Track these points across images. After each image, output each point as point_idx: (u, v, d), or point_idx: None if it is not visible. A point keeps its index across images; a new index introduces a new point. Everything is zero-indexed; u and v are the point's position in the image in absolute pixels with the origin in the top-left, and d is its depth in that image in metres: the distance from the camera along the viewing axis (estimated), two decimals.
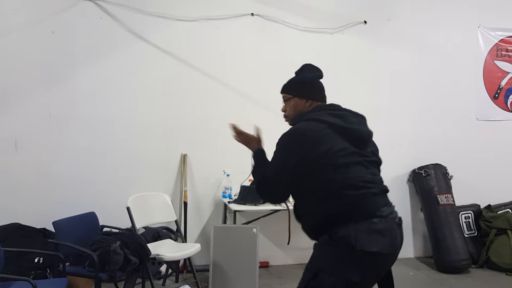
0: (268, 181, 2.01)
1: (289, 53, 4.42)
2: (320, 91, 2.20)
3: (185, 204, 4.20)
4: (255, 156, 2.16)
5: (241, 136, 2.27)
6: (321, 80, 2.21)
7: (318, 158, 1.93)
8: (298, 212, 2.11)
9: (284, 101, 2.21)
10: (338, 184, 1.91)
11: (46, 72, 4.01)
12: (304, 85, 2.18)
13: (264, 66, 4.41)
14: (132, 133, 4.19)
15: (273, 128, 4.46)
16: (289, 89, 2.20)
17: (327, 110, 2.09)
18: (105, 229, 3.58)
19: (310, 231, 2.04)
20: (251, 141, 2.23)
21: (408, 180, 4.83)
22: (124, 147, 4.17)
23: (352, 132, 2.01)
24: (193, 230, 4.31)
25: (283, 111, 2.23)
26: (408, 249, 4.82)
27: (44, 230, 3.72)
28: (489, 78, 5.04)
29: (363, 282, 1.89)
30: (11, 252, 3.01)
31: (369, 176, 1.97)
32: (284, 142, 2.01)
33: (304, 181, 1.94)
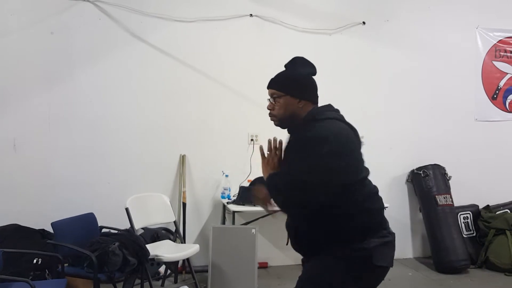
0: (293, 187, 1.74)
1: (287, 54, 4.35)
2: (314, 91, 1.97)
3: (184, 204, 4.20)
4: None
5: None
6: (314, 77, 1.99)
7: (356, 164, 1.82)
8: (303, 225, 1.89)
9: (273, 98, 1.95)
10: (363, 197, 1.84)
11: (45, 73, 4.00)
12: (298, 83, 1.94)
13: (262, 67, 4.39)
14: (131, 134, 4.19)
15: (271, 130, 4.46)
16: (279, 86, 1.94)
17: (337, 112, 1.94)
18: (103, 230, 3.58)
19: (314, 246, 1.88)
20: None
21: (407, 180, 4.83)
22: (123, 147, 4.17)
23: (359, 140, 1.91)
24: (192, 231, 4.31)
25: (269, 109, 1.97)
26: (407, 249, 4.83)
27: (42, 231, 3.72)
28: (488, 78, 5.04)
29: None
30: (9, 253, 3.02)
31: (376, 188, 1.93)
32: (320, 141, 1.74)
33: (328, 193, 1.75)
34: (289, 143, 1.97)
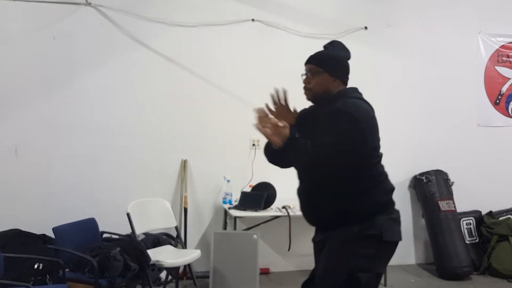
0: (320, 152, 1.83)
1: (289, 59, 4.42)
2: (347, 73, 2.13)
3: (185, 210, 4.19)
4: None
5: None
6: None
7: (376, 144, 1.97)
8: (324, 194, 1.95)
9: (311, 73, 2.08)
10: (379, 174, 1.99)
11: (47, 78, 4.01)
12: (338, 63, 2.10)
13: (264, 72, 4.41)
14: (132, 139, 4.19)
15: None
16: (320, 62, 2.08)
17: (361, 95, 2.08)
18: (105, 235, 3.58)
19: (333, 217, 1.96)
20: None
21: (409, 186, 4.82)
22: (124, 153, 4.17)
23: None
24: (193, 236, 4.29)
25: (305, 83, 2.10)
26: (410, 255, 4.80)
27: (44, 236, 3.71)
28: (490, 84, 5.04)
29: (384, 272, 1.97)
30: (11, 258, 3.01)
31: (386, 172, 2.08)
32: (352, 118, 1.87)
33: (357, 165, 1.89)
34: (316, 113, 2.11)
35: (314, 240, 2.15)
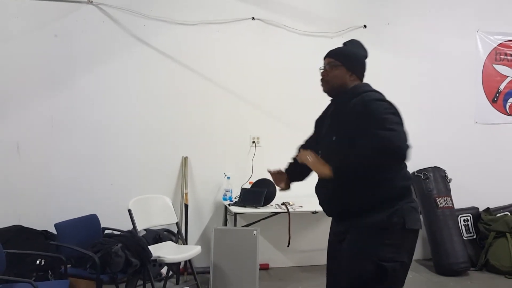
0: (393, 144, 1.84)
1: (289, 57, 4.45)
2: (363, 71, 2.24)
3: (186, 206, 4.22)
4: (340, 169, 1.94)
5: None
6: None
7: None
8: (349, 183, 1.97)
9: (331, 66, 2.18)
10: (403, 164, 2.02)
11: (48, 76, 4.03)
12: (357, 59, 2.21)
13: (264, 70, 4.43)
14: (133, 137, 4.21)
15: (272, 132, 4.49)
16: (339, 57, 2.19)
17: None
18: (106, 231, 3.61)
19: (357, 205, 1.99)
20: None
21: None
22: (125, 150, 4.19)
23: None
24: (193, 232, 4.32)
25: (323, 76, 2.20)
26: None
27: (46, 232, 3.73)
28: (488, 82, 5.07)
29: (410, 261, 2.00)
30: (13, 254, 3.03)
31: None
32: (387, 107, 1.96)
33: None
34: (335, 110, 2.18)
35: (334, 231, 2.18)
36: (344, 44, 2.28)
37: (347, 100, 2.07)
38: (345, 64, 2.16)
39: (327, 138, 2.13)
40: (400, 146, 1.82)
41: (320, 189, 2.16)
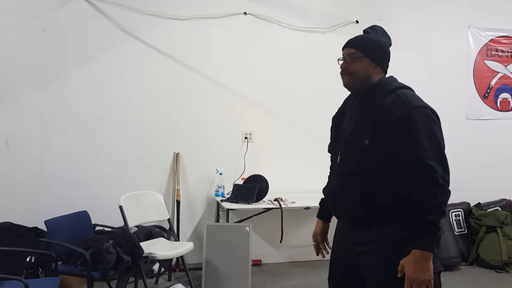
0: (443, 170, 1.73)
1: (281, 52, 4.43)
2: (388, 61, 1.99)
3: (178, 202, 4.20)
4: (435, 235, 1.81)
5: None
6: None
7: None
8: (371, 191, 1.80)
9: (353, 57, 1.91)
10: None
11: (38, 71, 3.98)
12: (382, 49, 1.95)
13: (256, 65, 4.42)
14: (125, 132, 4.18)
15: (265, 128, 4.48)
16: (362, 47, 1.92)
17: None
18: (97, 228, 3.58)
19: (379, 213, 1.79)
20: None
21: None
22: (117, 146, 4.16)
23: None
24: (185, 229, 4.31)
25: (343, 68, 1.95)
26: None
27: (36, 229, 3.70)
28: (479, 77, 5.09)
29: (441, 269, 1.86)
30: (2, 251, 3.02)
31: None
32: (434, 119, 1.80)
33: None
34: (361, 105, 1.94)
35: (351, 241, 1.91)
36: (366, 31, 2.01)
37: (377, 97, 1.85)
38: (369, 56, 1.90)
39: (356, 139, 1.87)
40: (448, 181, 1.72)
41: (335, 193, 1.95)
